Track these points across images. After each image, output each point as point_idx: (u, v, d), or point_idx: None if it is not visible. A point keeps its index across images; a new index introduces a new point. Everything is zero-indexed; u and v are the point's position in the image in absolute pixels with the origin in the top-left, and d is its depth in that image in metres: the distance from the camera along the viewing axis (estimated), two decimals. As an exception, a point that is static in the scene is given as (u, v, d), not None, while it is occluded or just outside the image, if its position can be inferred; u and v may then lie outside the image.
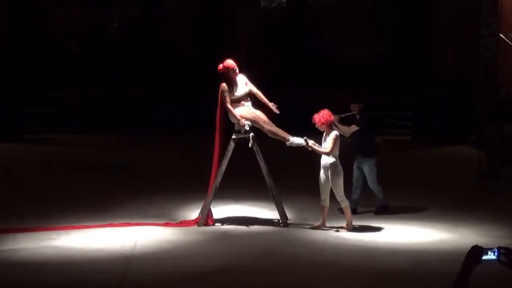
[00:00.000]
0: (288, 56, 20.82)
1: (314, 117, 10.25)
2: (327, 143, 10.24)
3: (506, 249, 4.65)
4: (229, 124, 10.64)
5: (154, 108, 19.12)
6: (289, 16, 21.97)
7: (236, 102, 10.53)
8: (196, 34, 21.51)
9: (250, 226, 10.61)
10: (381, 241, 10.02)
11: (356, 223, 10.57)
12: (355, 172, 11.31)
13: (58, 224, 10.49)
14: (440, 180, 13.90)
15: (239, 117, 10.41)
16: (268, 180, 10.61)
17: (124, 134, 18.23)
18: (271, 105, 10.60)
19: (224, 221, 10.82)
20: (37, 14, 21.05)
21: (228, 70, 10.52)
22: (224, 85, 10.52)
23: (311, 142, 10.32)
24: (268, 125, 10.50)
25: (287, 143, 10.48)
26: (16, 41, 20.17)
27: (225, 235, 10.24)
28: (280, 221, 10.67)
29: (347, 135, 10.95)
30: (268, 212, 11.17)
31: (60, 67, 20.53)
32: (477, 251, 4.63)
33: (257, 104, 10.74)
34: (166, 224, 10.63)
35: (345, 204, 10.37)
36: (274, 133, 10.52)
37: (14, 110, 17.97)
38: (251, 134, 10.45)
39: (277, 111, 10.52)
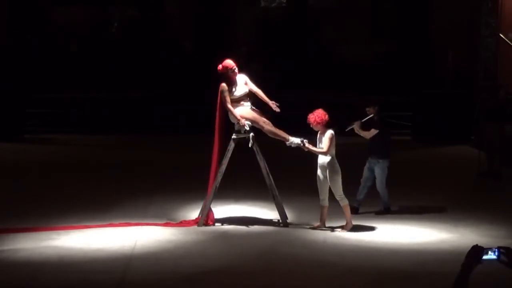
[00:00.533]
0: (288, 56, 20.81)
1: (309, 117, 10.23)
2: (323, 143, 10.22)
3: (506, 248, 4.66)
4: (229, 124, 10.64)
5: (154, 108, 19.12)
6: (289, 16, 21.97)
7: (236, 102, 10.52)
8: (196, 34, 21.50)
9: (250, 226, 10.60)
10: (381, 241, 10.01)
11: (356, 223, 10.56)
12: (365, 172, 11.28)
13: (58, 224, 10.48)
14: (440, 180, 13.90)
15: (239, 117, 10.40)
16: (268, 180, 10.60)
17: (124, 134, 18.24)
18: (272, 103, 10.59)
19: (224, 221, 10.81)
20: (37, 14, 21.04)
21: (227, 70, 10.52)
22: (223, 85, 10.51)
23: (307, 144, 10.29)
24: (268, 125, 10.49)
25: (287, 143, 10.47)
26: (16, 41, 20.17)
27: (225, 235, 10.24)
28: (280, 221, 10.67)
29: (368, 138, 11.06)
30: (268, 212, 11.16)
31: (60, 67, 20.54)
32: (477, 250, 4.64)
33: (258, 102, 10.73)
34: (166, 224, 10.63)
35: (344, 203, 10.33)
36: (274, 133, 10.51)
37: (14, 110, 17.98)
38: (251, 134, 10.44)
39: (277, 110, 10.52)
